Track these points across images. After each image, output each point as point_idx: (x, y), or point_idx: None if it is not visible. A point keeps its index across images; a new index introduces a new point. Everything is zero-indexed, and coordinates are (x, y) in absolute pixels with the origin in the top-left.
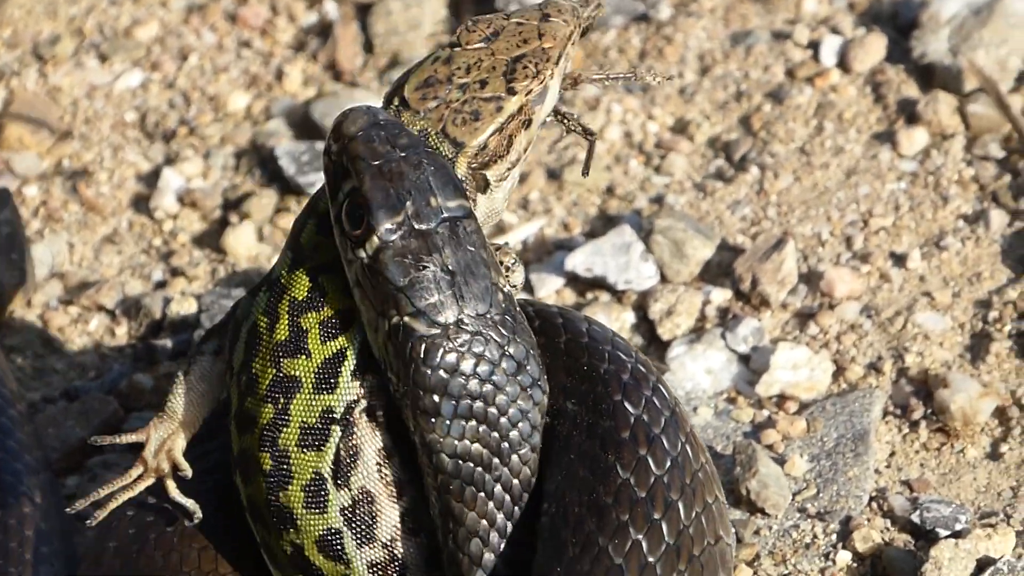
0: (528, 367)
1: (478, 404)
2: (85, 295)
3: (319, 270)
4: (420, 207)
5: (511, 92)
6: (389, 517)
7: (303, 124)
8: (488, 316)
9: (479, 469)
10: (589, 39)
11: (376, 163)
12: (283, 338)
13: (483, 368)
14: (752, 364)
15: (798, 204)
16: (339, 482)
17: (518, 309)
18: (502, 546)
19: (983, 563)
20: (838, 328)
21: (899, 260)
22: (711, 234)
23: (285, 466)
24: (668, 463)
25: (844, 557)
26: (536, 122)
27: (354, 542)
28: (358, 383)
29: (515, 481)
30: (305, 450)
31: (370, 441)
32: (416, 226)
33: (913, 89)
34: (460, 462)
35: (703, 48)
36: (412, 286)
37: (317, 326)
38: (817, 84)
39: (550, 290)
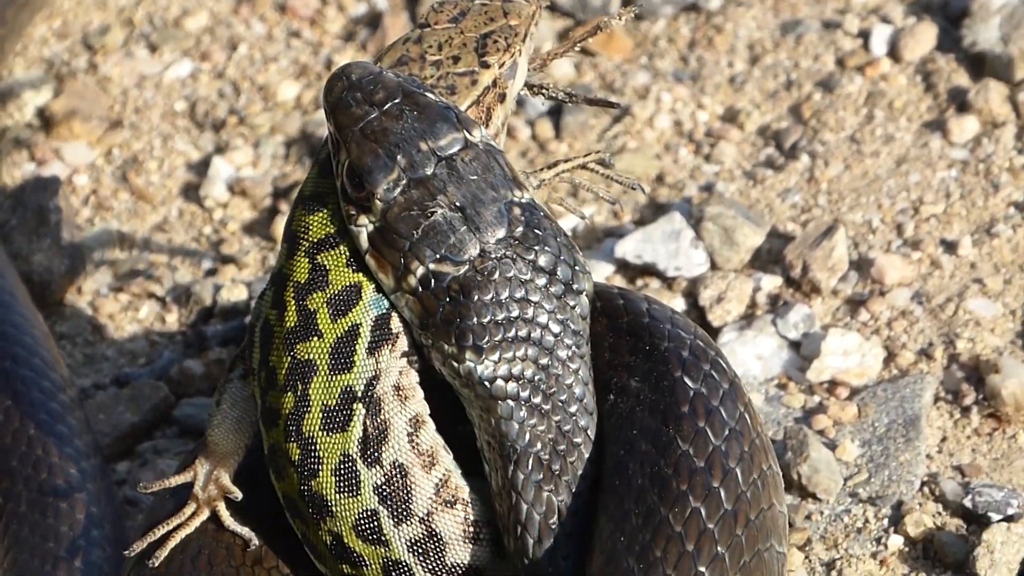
0: (558, 273)
1: (522, 328)
2: (135, 282)
3: (316, 249)
4: (411, 157)
5: (484, 65)
6: (424, 489)
7: None
8: (509, 237)
9: (535, 391)
10: (638, 27)
11: (358, 127)
12: (293, 324)
13: (517, 290)
14: (803, 350)
15: (848, 192)
16: (369, 460)
17: (543, 211)
18: (564, 485)
19: None
20: (889, 314)
21: (950, 247)
22: (761, 222)
23: (313, 452)
24: (726, 433)
25: (896, 541)
26: (510, 96)
27: (391, 520)
28: (376, 358)
29: (572, 406)
30: (330, 432)
31: (399, 413)
32: (413, 176)
33: (963, 78)
34: (516, 384)
35: (753, 38)
36: (427, 235)
37: (325, 305)
38: (867, 73)
39: (600, 277)
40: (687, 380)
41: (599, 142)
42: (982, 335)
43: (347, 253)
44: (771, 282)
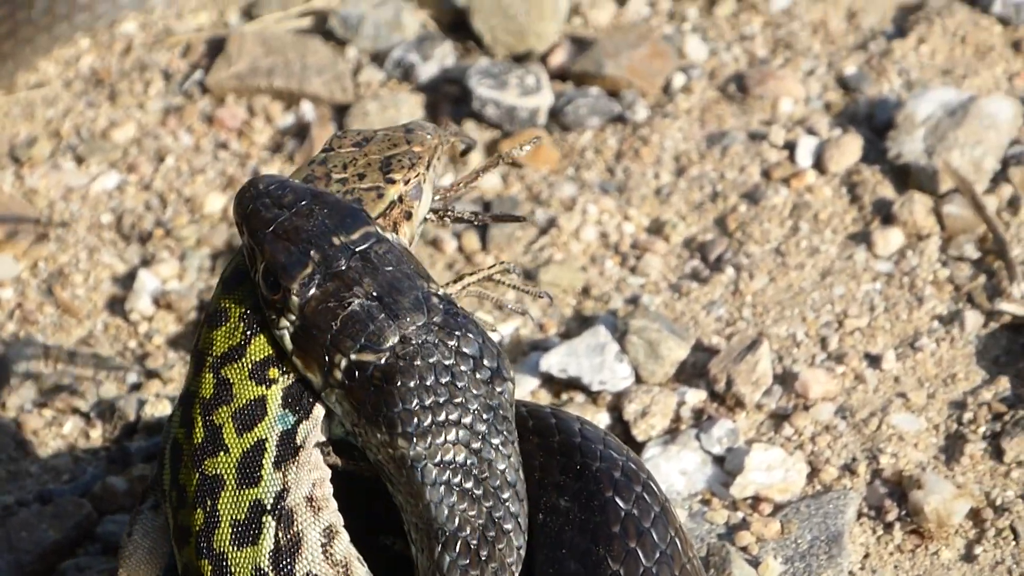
0: (484, 360)
1: (452, 411)
2: (60, 398)
3: (220, 363)
4: (325, 251)
5: (390, 181)
6: None
7: None
8: (429, 324)
9: (466, 476)
10: (565, 138)
11: (269, 229)
12: (200, 440)
13: (443, 375)
14: (726, 465)
15: (773, 305)
16: (282, 573)
17: (460, 306)
18: (490, 572)
19: None
20: (813, 429)
21: (874, 361)
22: (686, 335)
23: (224, 568)
24: (657, 555)
25: None
26: (416, 217)
27: None
28: (283, 472)
29: (505, 492)
30: (241, 547)
31: (312, 525)
32: (328, 270)
33: (888, 190)
34: (448, 470)
35: (679, 149)
36: (345, 326)
37: (230, 419)
38: (793, 185)
39: (525, 391)
40: (618, 501)
41: (525, 254)
42: (905, 450)
43: (249, 366)
44: (695, 396)
